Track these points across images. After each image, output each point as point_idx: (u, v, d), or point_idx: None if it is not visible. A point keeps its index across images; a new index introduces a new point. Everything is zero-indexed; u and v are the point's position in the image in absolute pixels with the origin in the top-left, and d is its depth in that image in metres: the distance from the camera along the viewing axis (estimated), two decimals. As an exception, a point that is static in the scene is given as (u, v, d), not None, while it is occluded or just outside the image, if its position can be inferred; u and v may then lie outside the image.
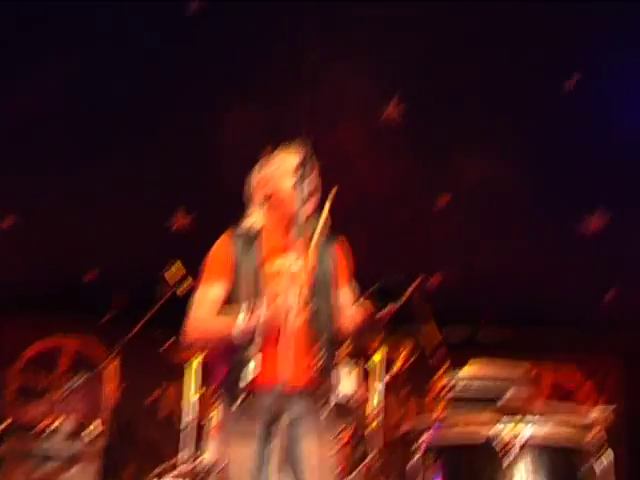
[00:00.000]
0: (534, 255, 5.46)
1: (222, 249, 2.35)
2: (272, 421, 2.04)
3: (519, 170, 4.83)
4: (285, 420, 1.99)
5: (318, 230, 2.31)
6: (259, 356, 2.12)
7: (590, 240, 5.20)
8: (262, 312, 2.11)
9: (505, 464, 2.15)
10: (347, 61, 4.34)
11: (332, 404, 2.17)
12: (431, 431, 2.43)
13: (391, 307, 2.17)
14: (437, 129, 4.71)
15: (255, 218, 2.40)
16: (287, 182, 2.32)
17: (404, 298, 3.23)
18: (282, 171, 2.38)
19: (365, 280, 2.36)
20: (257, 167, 2.46)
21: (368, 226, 4.70)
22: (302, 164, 2.25)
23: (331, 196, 2.35)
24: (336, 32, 4.19)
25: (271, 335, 2.08)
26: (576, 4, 4.01)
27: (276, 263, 2.25)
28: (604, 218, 5.02)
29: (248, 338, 2.12)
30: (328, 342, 2.20)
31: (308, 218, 2.25)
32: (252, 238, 2.35)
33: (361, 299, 2.28)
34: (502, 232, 5.22)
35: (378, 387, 3.62)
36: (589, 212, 5.03)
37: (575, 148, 4.64)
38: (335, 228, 2.33)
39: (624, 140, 4.49)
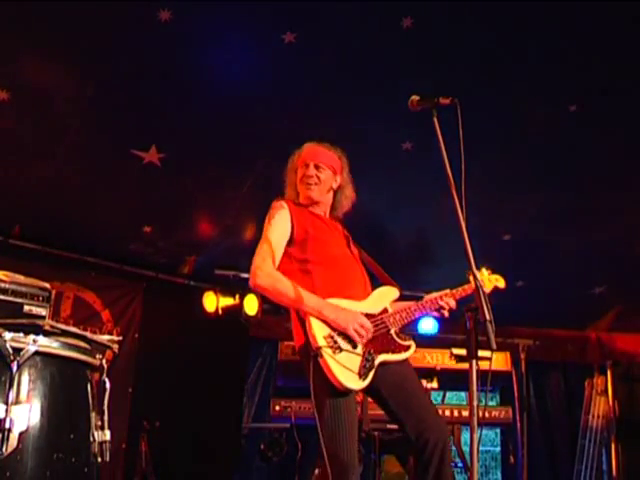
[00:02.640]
0: (82, 178, 5.39)
1: None
2: None
3: (87, 88, 4.64)
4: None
5: None
6: None
7: (136, 175, 5.35)
8: None
9: (13, 371, 2.20)
10: None
11: None
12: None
13: None
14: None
15: None
16: None
17: None
18: None
19: None
20: None
21: None
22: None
23: None
24: None
25: None
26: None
27: None
28: (157, 155, 5.17)
29: None
30: None
31: None
32: None
33: None
34: (54, 147, 5.03)
35: None
36: (143, 148, 5.13)
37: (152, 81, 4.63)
38: None
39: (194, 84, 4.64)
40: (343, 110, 4.75)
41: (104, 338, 2.68)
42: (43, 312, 2.66)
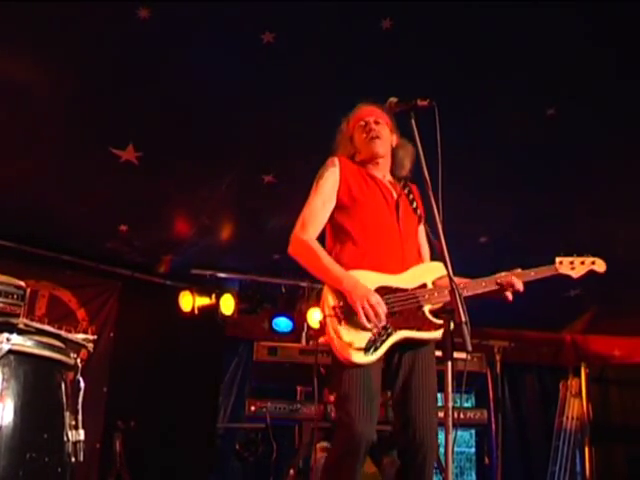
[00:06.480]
0: (58, 175, 5.33)
1: None
2: None
3: (64, 85, 4.59)
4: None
5: None
6: None
7: (113, 173, 5.29)
8: None
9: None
10: None
11: None
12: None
13: None
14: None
15: None
16: None
17: None
18: None
19: None
20: None
21: None
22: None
23: None
24: None
25: None
26: None
27: None
28: (134, 153, 5.12)
29: None
30: None
31: None
32: None
33: None
34: (30, 144, 4.97)
35: None
36: (121, 146, 5.08)
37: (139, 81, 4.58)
38: None
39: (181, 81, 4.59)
40: (323, 111, 4.74)
41: (79, 337, 2.67)
42: (17, 310, 2.63)
